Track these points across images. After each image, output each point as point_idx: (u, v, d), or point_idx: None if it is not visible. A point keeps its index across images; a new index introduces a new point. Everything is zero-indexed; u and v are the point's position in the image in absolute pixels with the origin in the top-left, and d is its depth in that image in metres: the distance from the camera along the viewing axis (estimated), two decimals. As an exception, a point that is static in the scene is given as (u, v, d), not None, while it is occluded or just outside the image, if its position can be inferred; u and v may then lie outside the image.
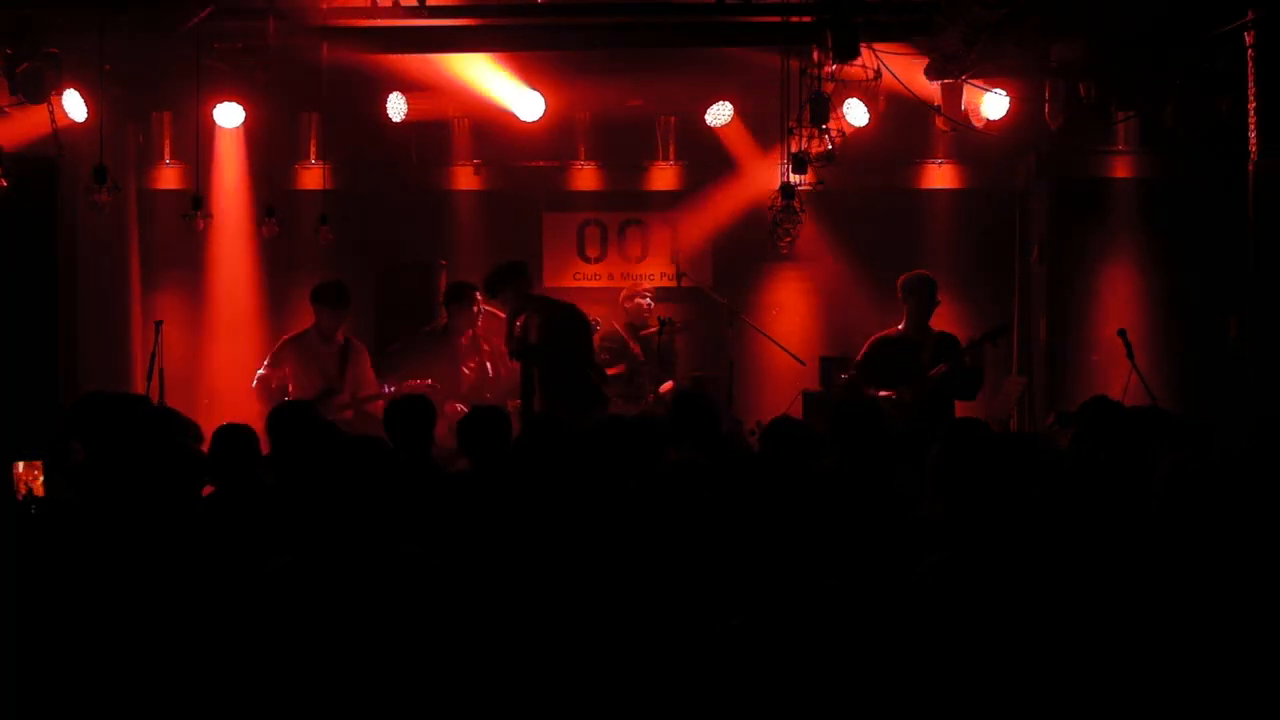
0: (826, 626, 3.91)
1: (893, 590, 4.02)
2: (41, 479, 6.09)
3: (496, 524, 4.70)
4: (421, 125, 10.47)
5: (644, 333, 9.80)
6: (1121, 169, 10.12)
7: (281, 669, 3.84)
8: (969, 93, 9.23)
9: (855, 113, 9.19)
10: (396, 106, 9.98)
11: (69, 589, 4.27)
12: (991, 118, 9.27)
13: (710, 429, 6.07)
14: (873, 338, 8.69)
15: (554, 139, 10.59)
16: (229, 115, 9.82)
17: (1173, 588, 3.90)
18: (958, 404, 8.49)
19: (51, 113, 8.94)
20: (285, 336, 9.15)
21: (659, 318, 9.61)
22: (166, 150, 10.65)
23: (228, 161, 10.17)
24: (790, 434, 5.75)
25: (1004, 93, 9.16)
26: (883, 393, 8.34)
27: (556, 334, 8.47)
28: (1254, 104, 7.92)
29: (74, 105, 9.07)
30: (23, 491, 6.13)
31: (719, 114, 10.22)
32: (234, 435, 5.67)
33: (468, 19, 8.77)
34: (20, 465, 6.08)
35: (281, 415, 5.89)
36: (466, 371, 9.07)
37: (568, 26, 8.90)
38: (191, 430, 6.17)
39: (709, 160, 10.64)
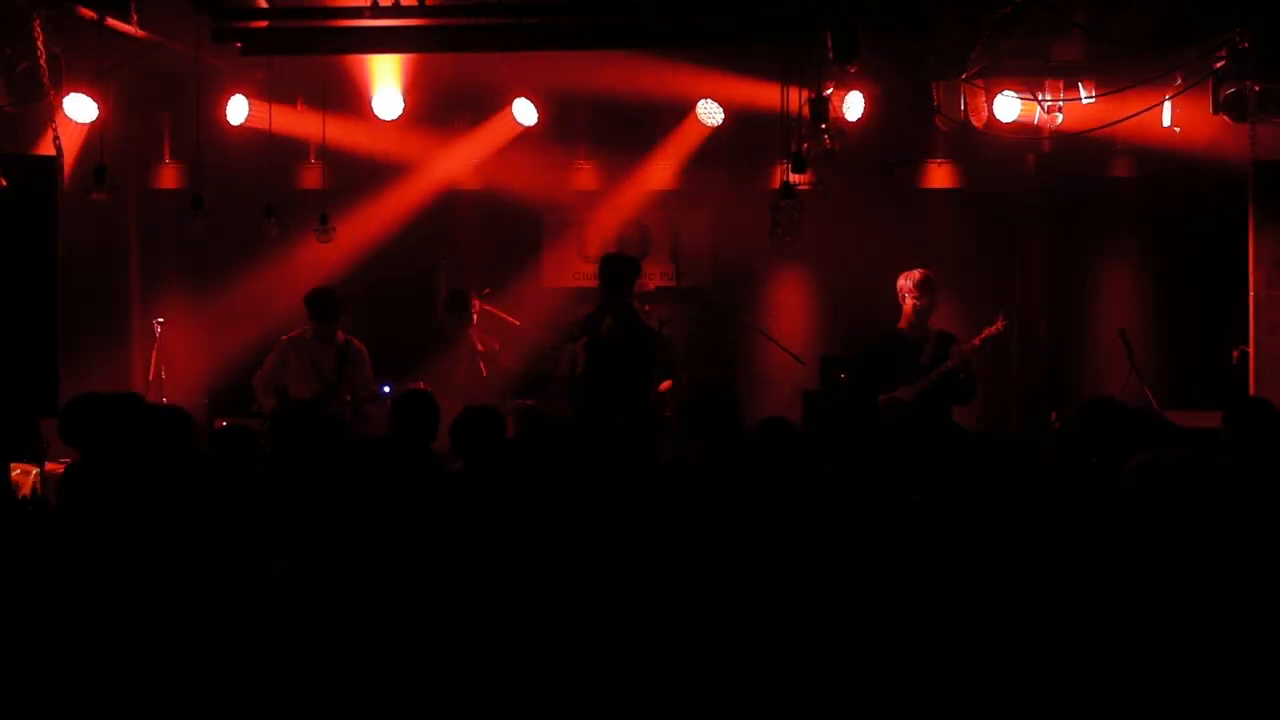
0: (824, 627, 3.91)
1: (896, 588, 4.03)
2: (39, 479, 6.10)
3: (490, 523, 4.70)
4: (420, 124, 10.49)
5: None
6: (1121, 169, 10.11)
7: (280, 669, 3.85)
8: (969, 93, 9.23)
9: (853, 107, 9.19)
10: (386, 104, 9.98)
11: (67, 590, 4.27)
12: (1004, 120, 9.27)
13: (726, 430, 6.06)
14: (873, 336, 8.67)
15: (554, 139, 10.60)
16: (234, 111, 9.83)
17: (1146, 588, 3.90)
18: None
19: (52, 112, 8.95)
20: (284, 336, 9.15)
21: (657, 318, 9.60)
22: (166, 150, 10.66)
23: (228, 160, 10.15)
24: (780, 435, 5.75)
25: (1015, 95, 9.17)
26: (884, 396, 8.33)
27: (626, 345, 8.34)
28: (1254, 103, 7.93)
29: (78, 106, 9.07)
30: (24, 492, 6.15)
31: (711, 112, 10.19)
32: (233, 436, 5.67)
33: (466, 19, 8.77)
34: (17, 466, 6.09)
35: (288, 417, 5.89)
36: (461, 373, 9.05)
37: (566, 26, 8.90)
38: (195, 428, 6.15)
39: (709, 160, 10.63)
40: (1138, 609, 3.87)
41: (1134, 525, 4.11)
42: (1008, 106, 9.24)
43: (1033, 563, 4.00)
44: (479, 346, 9.18)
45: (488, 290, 9.63)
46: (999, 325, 8.36)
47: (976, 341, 8.34)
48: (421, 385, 8.52)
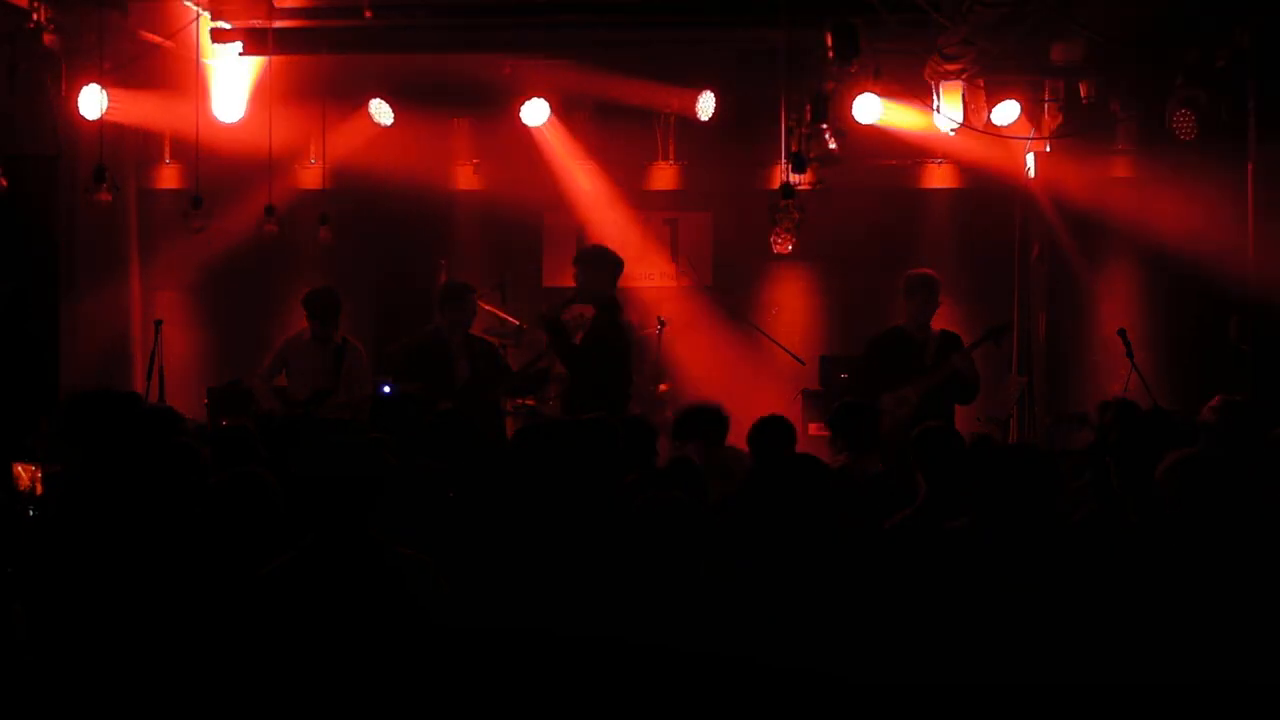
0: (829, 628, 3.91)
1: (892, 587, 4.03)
2: (40, 478, 6.09)
3: (483, 522, 4.71)
4: (419, 125, 10.49)
5: (643, 333, 9.77)
6: (1121, 169, 10.11)
7: (277, 670, 3.85)
8: (969, 92, 9.23)
9: (867, 109, 9.18)
10: (380, 111, 10.01)
11: (66, 590, 4.27)
12: (1002, 124, 9.26)
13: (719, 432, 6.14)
14: (875, 335, 8.67)
15: (554, 138, 10.59)
16: (229, 108, 9.82)
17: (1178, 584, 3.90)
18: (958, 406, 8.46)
19: (51, 112, 8.95)
20: (284, 337, 9.15)
21: (657, 317, 9.62)
22: (166, 150, 10.66)
23: (228, 159, 10.13)
24: (776, 431, 5.79)
25: (1016, 102, 9.16)
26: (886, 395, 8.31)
27: (594, 338, 8.28)
28: (1254, 104, 7.93)
29: (89, 100, 9.03)
30: (23, 487, 6.14)
31: (706, 106, 10.15)
32: (233, 435, 5.67)
33: (464, 18, 8.79)
34: (18, 466, 6.08)
35: (273, 420, 5.90)
36: (459, 371, 9.01)
37: (567, 25, 8.92)
38: (187, 429, 6.15)
39: (709, 160, 10.63)
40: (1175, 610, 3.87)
41: (1172, 524, 4.11)
42: (1007, 110, 9.25)
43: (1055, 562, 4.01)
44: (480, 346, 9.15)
45: (487, 289, 9.61)
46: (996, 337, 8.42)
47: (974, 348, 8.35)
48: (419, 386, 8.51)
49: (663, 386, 9.62)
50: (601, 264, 8.25)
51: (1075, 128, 9.45)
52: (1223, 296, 9.08)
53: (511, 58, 9.82)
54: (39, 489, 6.14)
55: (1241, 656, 3.79)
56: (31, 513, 5.81)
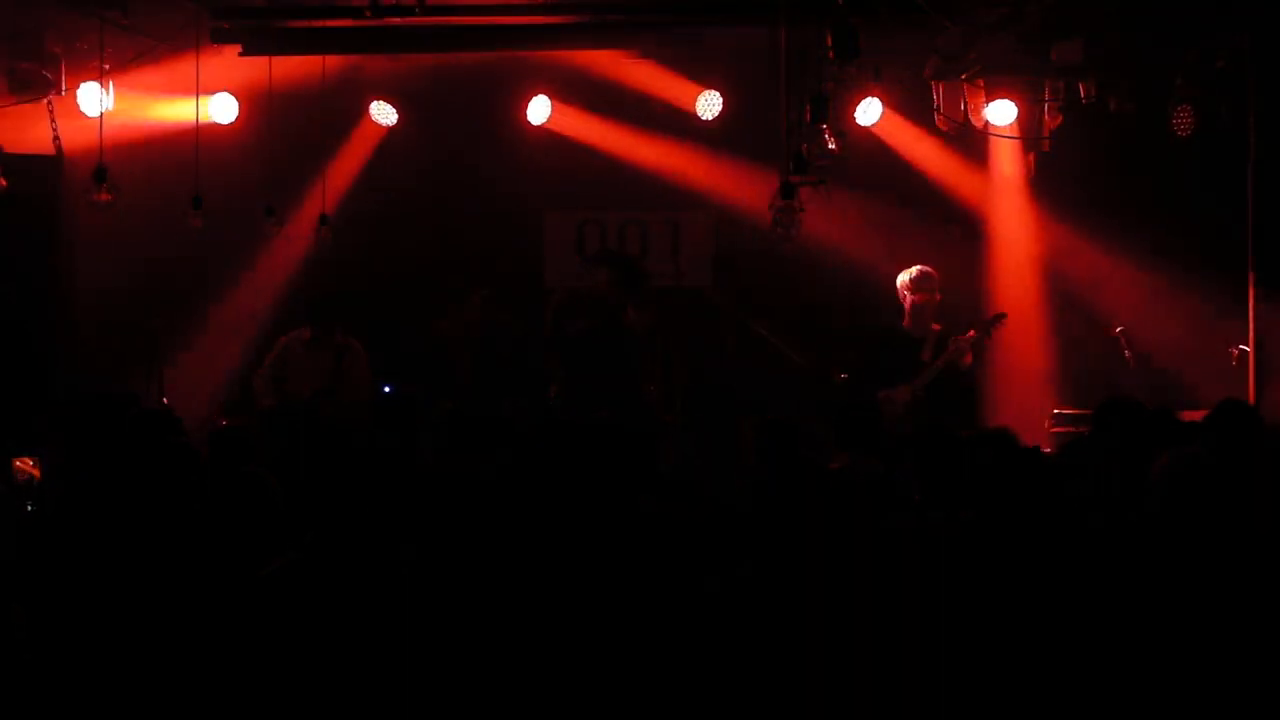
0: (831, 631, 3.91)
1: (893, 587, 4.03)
2: (38, 470, 6.12)
3: (484, 523, 4.71)
4: (420, 124, 10.48)
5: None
6: (1120, 169, 10.10)
7: (275, 671, 3.85)
8: (969, 93, 9.22)
9: (868, 113, 9.17)
10: (382, 112, 10.01)
11: (66, 590, 4.27)
12: (999, 125, 9.26)
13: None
14: (873, 334, 8.66)
15: (554, 138, 10.58)
16: (223, 109, 9.81)
17: (1168, 585, 3.91)
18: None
19: (51, 112, 8.96)
20: (284, 337, 9.15)
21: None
22: (166, 150, 10.63)
23: (228, 159, 10.13)
24: (778, 434, 5.80)
25: (1012, 103, 9.17)
26: (882, 394, 8.32)
27: (599, 340, 8.31)
28: (1254, 104, 7.94)
29: (87, 102, 9.03)
30: (22, 479, 6.16)
31: (709, 104, 10.14)
32: (233, 435, 5.68)
33: (464, 18, 8.80)
34: (17, 460, 6.11)
35: (273, 419, 5.91)
36: (461, 372, 9.03)
37: (567, 25, 8.93)
38: (180, 426, 6.14)
39: (709, 158, 10.61)
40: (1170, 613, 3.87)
41: (1164, 523, 4.11)
42: (1003, 111, 9.24)
43: (1049, 561, 4.01)
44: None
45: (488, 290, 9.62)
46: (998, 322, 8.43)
47: (971, 333, 8.35)
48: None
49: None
50: (613, 266, 8.38)
51: (1075, 128, 9.44)
52: (1223, 296, 9.08)
53: (511, 55, 9.81)
54: (37, 476, 6.16)
55: (1234, 654, 3.80)
56: (30, 507, 5.82)
